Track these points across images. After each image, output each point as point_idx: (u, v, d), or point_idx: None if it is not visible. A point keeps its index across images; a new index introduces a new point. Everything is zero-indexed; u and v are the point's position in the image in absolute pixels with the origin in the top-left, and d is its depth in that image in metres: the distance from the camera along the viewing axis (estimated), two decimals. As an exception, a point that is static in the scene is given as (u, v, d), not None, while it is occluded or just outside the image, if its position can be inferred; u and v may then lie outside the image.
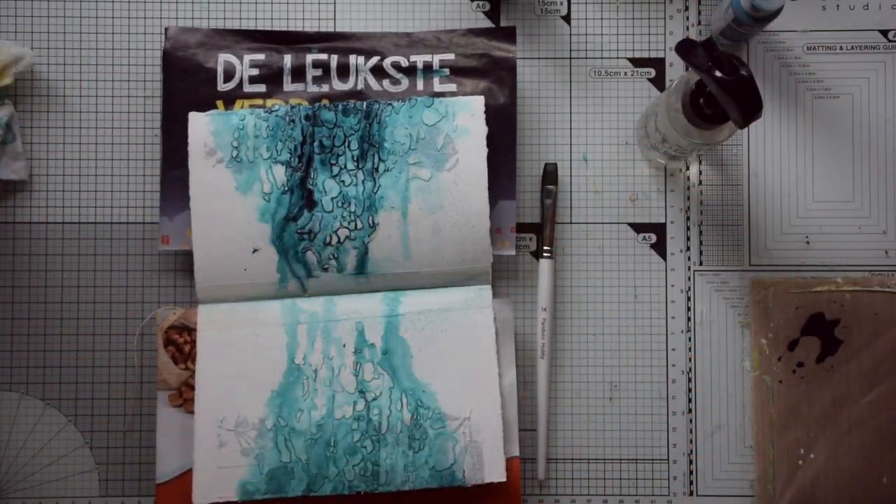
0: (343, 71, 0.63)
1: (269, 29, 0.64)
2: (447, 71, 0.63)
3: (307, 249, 0.60)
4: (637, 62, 0.64)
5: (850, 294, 0.62)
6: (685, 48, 0.52)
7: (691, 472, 0.63)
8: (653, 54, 0.64)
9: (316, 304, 0.60)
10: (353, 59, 0.63)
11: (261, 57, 0.63)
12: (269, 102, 0.62)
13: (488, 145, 0.61)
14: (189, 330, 0.61)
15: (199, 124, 0.60)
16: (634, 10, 0.65)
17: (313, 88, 0.63)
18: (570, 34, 0.65)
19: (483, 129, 0.60)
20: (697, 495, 0.63)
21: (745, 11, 0.58)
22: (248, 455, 0.58)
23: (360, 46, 0.63)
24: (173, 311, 0.61)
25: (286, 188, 0.60)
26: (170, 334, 0.61)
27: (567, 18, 0.65)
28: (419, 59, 0.63)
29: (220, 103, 0.62)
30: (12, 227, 0.63)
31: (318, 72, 0.63)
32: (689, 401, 0.63)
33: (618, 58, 0.64)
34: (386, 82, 0.63)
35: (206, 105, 0.62)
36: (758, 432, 0.62)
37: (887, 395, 0.62)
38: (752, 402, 0.63)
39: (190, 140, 0.60)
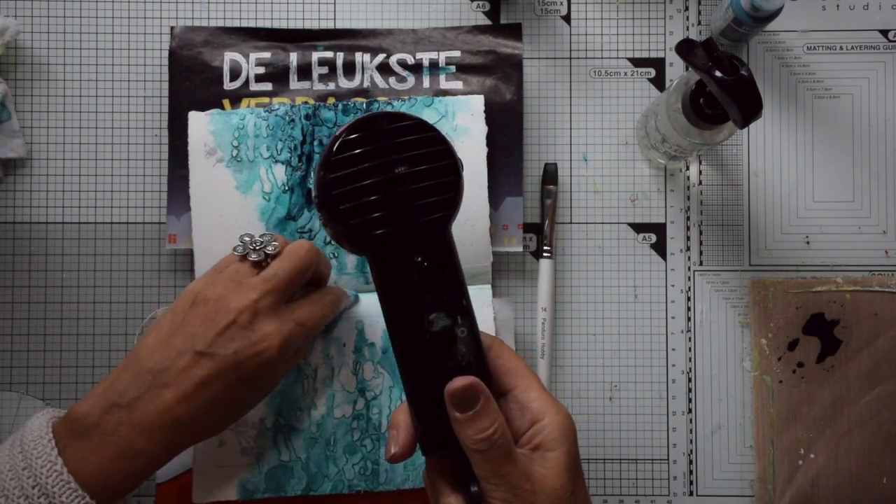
0: (349, 69, 0.63)
1: (273, 27, 0.64)
2: (453, 68, 0.63)
3: (307, 249, 0.60)
4: (637, 62, 0.64)
5: (850, 294, 0.62)
6: (685, 48, 0.52)
7: (691, 472, 0.63)
8: (653, 54, 0.65)
9: (316, 304, 0.60)
10: (358, 56, 0.63)
11: (267, 55, 0.63)
12: (276, 101, 0.62)
13: (494, 143, 0.61)
14: (189, 329, 0.60)
15: (199, 123, 0.60)
16: (634, 10, 0.65)
17: (319, 87, 0.63)
18: (570, 34, 0.65)
19: (483, 129, 0.60)
20: (697, 495, 0.62)
21: (745, 11, 0.58)
22: (247, 454, 0.58)
23: (366, 44, 0.63)
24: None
25: (286, 187, 0.60)
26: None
27: (567, 18, 0.65)
28: (425, 57, 0.63)
29: (226, 102, 0.62)
30: (12, 227, 0.63)
31: (325, 70, 0.63)
32: (689, 401, 0.63)
33: (618, 58, 0.64)
34: (392, 80, 0.63)
35: (212, 104, 0.62)
36: (758, 432, 0.62)
37: (887, 395, 0.62)
38: (752, 402, 0.63)
39: (190, 139, 0.60)
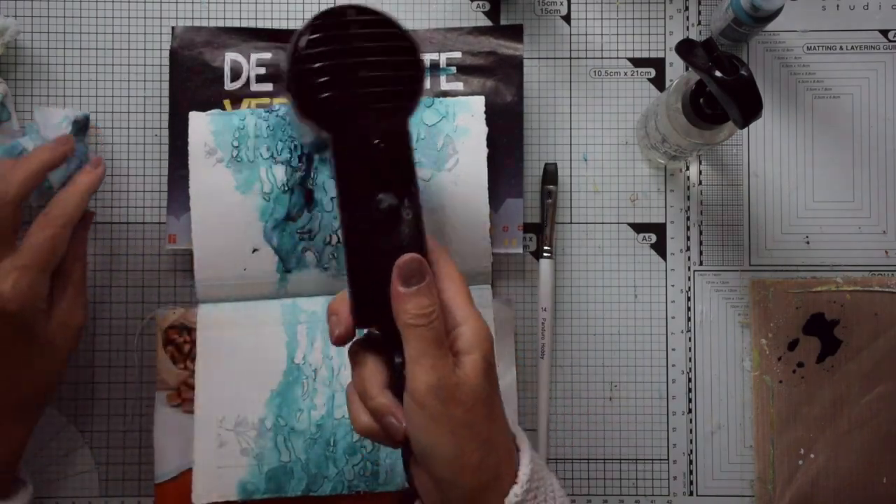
0: None
1: (274, 27, 0.64)
2: (454, 69, 0.63)
3: (307, 249, 0.60)
4: (637, 62, 0.64)
5: (850, 294, 0.62)
6: (685, 48, 0.52)
7: (691, 472, 0.63)
8: (653, 54, 0.64)
9: (316, 304, 0.60)
10: None
11: (267, 56, 0.63)
12: (276, 101, 0.62)
13: (494, 144, 0.61)
14: (189, 330, 0.61)
15: (200, 124, 0.60)
16: (634, 10, 0.65)
17: None
18: (570, 34, 0.65)
19: (483, 130, 0.60)
20: (697, 495, 0.63)
21: (745, 11, 0.58)
22: (247, 455, 0.58)
23: None
24: (173, 311, 0.61)
25: (286, 188, 0.60)
26: (169, 334, 0.60)
27: (567, 18, 0.65)
28: (426, 58, 0.63)
29: (227, 102, 0.62)
30: (12, 226, 0.63)
31: None
32: (689, 401, 0.63)
33: (618, 58, 0.64)
34: None
35: (213, 104, 0.62)
36: (758, 432, 0.62)
37: (887, 395, 0.62)
38: (752, 402, 0.63)
39: (190, 139, 0.60)
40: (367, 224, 0.45)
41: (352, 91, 0.45)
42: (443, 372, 0.43)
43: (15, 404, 0.53)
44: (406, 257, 0.44)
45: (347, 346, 0.47)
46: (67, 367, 0.57)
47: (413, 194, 0.46)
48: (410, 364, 0.43)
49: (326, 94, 0.45)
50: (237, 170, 0.60)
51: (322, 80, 0.45)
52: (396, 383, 0.44)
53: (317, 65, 0.45)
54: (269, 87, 0.63)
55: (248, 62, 0.63)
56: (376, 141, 0.45)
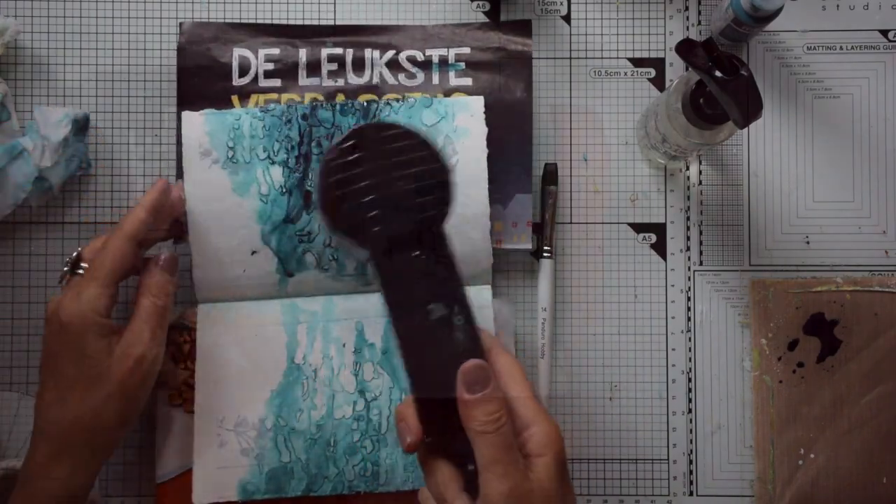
0: (358, 65, 0.63)
1: (283, 23, 0.64)
2: (463, 65, 0.63)
3: (306, 251, 0.60)
4: (637, 62, 0.64)
5: (850, 294, 0.62)
6: (685, 48, 0.52)
7: (691, 472, 0.63)
8: (653, 54, 0.64)
9: (316, 304, 0.60)
10: (368, 52, 0.63)
11: (276, 51, 0.63)
12: (285, 97, 0.62)
13: (503, 140, 0.60)
14: (189, 329, 0.60)
15: (194, 124, 0.60)
16: (634, 10, 0.65)
17: (328, 83, 0.63)
18: (570, 34, 0.65)
19: (483, 130, 0.60)
20: (697, 495, 0.63)
21: (745, 11, 0.58)
22: (247, 455, 0.58)
23: (376, 40, 0.63)
24: (173, 311, 0.61)
25: (284, 189, 0.59)
26: (169, 334, 0.60)
27: (567, 18, 0.65)
28: (434, 53, 0.63)
29: (234, 98, 0.62)
30: (13, 226, 0.63)
31: (334, 66, 0.63)
32: (689, 401, 0.63)
33: (618, 58, 0.64)
34: (401, 76, 0.63)
35: (220, 100, 0.62)
36: (758, 432, 0.62)
37: (887, 395, 0.62)
38: (752, 402, 0.63)
39: (184, 140, 0.59)
40: (420, 335, 0.46)
41: (384, 210, 0.46)
42: (515, 479, 0.42)
43: (70, 430, 0.51)
44: (469, 364, 0.44)
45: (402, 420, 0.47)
46: (136, 410, 0.54)
47: (462, 300, 0.46)
48: (482, 471, 0.43)
49: (359, 220, 0.46)
50: (233, 171, 0.59)
51: (356, 201, 0.46)
52: (470, 488, 0.44)
53: (349, 188, 0.46)
54: (277, 82, 0.62)
55: (256, 58, 0.62)
56: (416, 253, 0.46)
